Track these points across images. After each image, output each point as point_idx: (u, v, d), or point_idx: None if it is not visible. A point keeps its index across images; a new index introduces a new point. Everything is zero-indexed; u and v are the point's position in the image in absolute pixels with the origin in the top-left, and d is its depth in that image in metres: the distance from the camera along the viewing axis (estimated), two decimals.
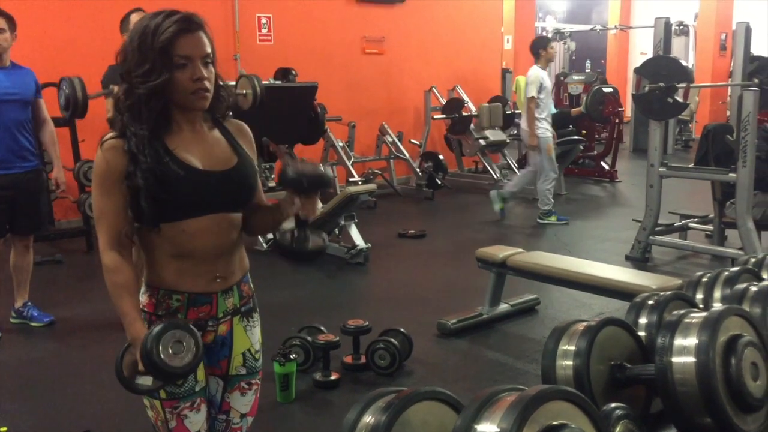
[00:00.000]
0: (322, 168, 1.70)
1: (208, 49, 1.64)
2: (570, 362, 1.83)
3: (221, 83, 1.72)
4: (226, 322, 1.79)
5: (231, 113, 1.81)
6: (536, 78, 6.78)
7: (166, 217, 1.64)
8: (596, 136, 10.36)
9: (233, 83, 5.29)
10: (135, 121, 1.61)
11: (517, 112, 10.18)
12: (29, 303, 4.28)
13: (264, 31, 7.93)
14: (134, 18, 3.85)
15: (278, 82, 6.47)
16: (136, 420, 3.02)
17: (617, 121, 9.47)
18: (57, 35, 6.48)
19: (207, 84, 1.63)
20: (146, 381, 1.56)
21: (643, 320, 2.08)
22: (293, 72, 6.61)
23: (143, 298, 1.73)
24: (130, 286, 1.65)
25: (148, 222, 1.64)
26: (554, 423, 1.36)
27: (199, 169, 1.65)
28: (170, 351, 1.51)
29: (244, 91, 5.08)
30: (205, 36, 1.65)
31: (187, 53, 1.60)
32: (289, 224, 1.74)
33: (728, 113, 9.16)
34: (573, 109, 10.41)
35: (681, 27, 12.54)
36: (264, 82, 6.64)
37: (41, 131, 4.23)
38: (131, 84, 1.60)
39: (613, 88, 10.16)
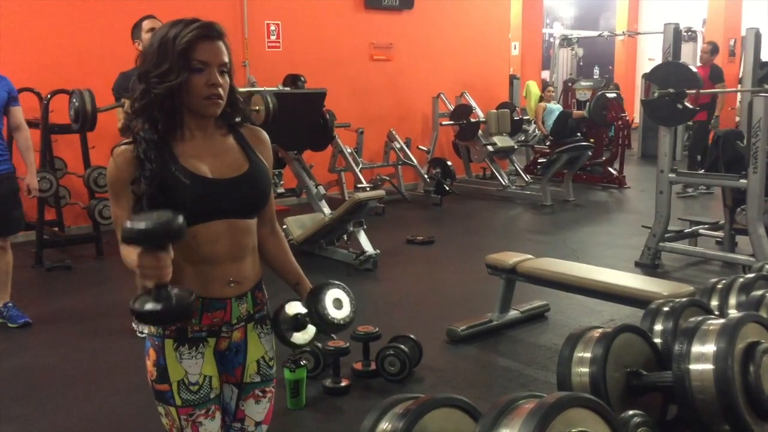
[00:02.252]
0: (351, 314, 1.82)
1: (226, 59, 1.66)
2: (586, 369, 1.82)
3: (237, 94, 1.73)
4: (240, 329, 1.78)
5: (248, 115, 1.82)
6: None
7: None
8: (604, 142, 10.34)
9: (241, 89, 5.30)
10: (146, 123, 1.63)
11: (525, 118, 10.19)
12: (10, 303, 4.33)
13: (273, 37, 7.94)
14: (146, 24, 3.85)
15: (287, 89, 6.48)
16: (145, 426, 3.02)
17: (622, 126, 9.46)
18: (66, 43, 6.50)
19: (221, 91, 1.65)
20: (151, 305, 1.50)
21: (658, 327, 2.07)
22: (302, 78, 6.61)
23: None
24: None
25: None
26: (573, 431, 1.35)
27: (206, 177, 1.66)
28: (145, 217, 1.47)
29: (257, 108, 5.10)
30: (224, 46, 1.67)
31: (205, 59, 1.62)
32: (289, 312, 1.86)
33: (737, 119, 9.13)
34: (575, 111, 10.41)
35: (689, 33, 12.51)
36: (272, 88, 6.66)
37: (16, 138, 4.29)
38: (148, 84, 1.63)
39: (616, 93, 10.15)
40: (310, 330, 1.86)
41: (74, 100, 4.14)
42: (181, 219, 1.46)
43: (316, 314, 1.78)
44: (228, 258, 1.70)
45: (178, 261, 1.67)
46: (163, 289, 1.47)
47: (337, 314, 1.78)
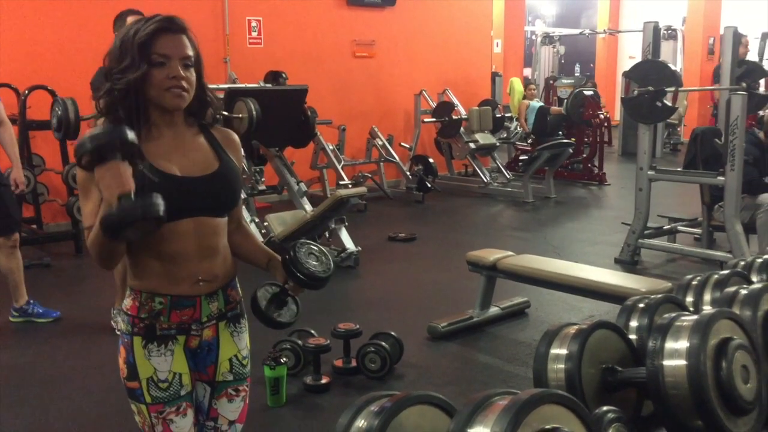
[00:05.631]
0: (329, 267, 1.79)
1: (189, 52, 1.65)
2: (561, 366, 1.83)
3: (206, 88, 1.72)
4: (211, 327, 1.77)
5: (219, 120, 1.80)
6: None
7: None
8: (585, 140, 10.40)
9: (222, 86, 5.29)
10: (114, 122, 1.61)
11: (507, 115, 10.24)
12: (32, 301, 4.31)
13: (254, 33, 7.91)
14: (130, 20, 3.84)
15: (268, 86, 6.46)
16: (124, 424, 3.00)
17: (600, 123, 9.53)
18: (44, 38, 6.43)
19: (184, 83, 1.63)
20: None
21: (634, 323, 2.09)
22: (283, 75, 6.59)
23: (127, 302, 1.73)
24: None
25: None
26: (547, 427, 1.36)
27: (175, 175, 1.65)
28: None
29: (240, 115, 5.09)
30: (188, 39, 1.66)
31: (166, 52, 1.61)
32: (267, 292, 1.82)
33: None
34: (553, 108, 10.48)
35: (669, 31, 12.61)
36: (254, 85, 6.63)
37: None
38: (111, 82, 1.62)
39: (594, 90, 10.23)
40: (292, 306, 1.84)
41: (57, 109, 4.10)
42: (131, 134, 1.48)
43: (298, 271, 1.74)
44: (196, 256, 1.69)
45: (144, 259, 1.68)
46: (125, 197, 1.48)
47: (318, 266, 1.77)
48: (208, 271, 1.72)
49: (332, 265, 1.82)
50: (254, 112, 5.05)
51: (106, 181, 1.47)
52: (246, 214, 5.22)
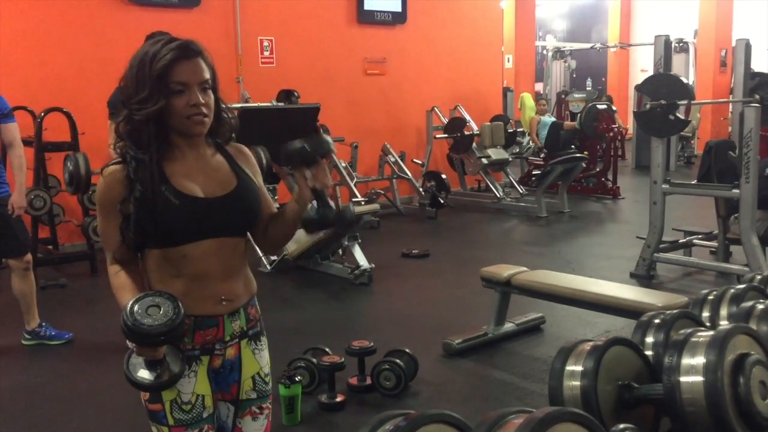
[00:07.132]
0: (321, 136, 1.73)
1: (207, 75, 1.65)
2: (577, 383, 1.82)
3: (223, 107, 1.73)
4: (234, 346, 1.77)
5: (234, 137, 1.81)
6: None
7: (165, 242, 1.65)
8: (598, 154, 10.38)
9: (235, 105, 5.32)
10: (135, 146, 1.62)
11: (519, 130, 10.24)
12: (44, 323, 4.30)
13: (266, 53, 7.98)
14: None
15: (281, 104, 6.50)
16: None
17: (613, 136, 9.50)
18: (62, 61, 6.52)
19: (204, 110, 1.63)
20: (144, 374, 1.55)
21: (649, 339, 2.08)
22: (295, 93, 6.64)
23: None
24: (130, 285, 1.65)
25: (133, 247, 1.65)
26: None
27: (196, 197, 1.66)
28: (146, 313, 1.48)
29: None
30: (204, 62, 1.65)
31: (184, 80, 1.61)
32: (309, 210, 1.74)
33: (730, 129, 9.17)
34: (566, 123, 10.47)
35: (681, 44, 12.61)
36: (266, 104, 6.68)
37: (9, 155, 4.18)
38: (130, 111, 1.62)
39: (607, 104, 10.20)
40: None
41: (69, 165, 4.14)
42: (182, 314, 1.50)
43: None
44: (219, 276, 1.70)
45: (166, 279, 1.68)
46: (156, 361, 1.52)
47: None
48: (230, 291, 1.73)
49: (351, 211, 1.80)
50: (264, 160, 5.03)
51: (144, 350, 1.53)
52: None
